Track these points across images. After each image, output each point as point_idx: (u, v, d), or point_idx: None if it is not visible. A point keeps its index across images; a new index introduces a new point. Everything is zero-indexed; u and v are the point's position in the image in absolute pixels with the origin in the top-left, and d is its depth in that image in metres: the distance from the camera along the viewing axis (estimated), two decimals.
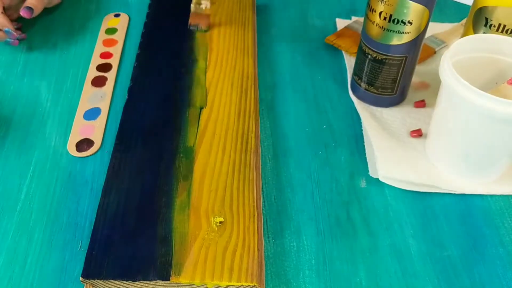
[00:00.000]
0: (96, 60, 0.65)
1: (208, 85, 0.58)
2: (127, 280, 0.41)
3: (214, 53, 0.62)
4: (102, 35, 0.69)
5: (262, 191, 0.51)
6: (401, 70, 0.55)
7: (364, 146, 0.55)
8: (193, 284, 0.41)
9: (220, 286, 0.41)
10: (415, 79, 0.60)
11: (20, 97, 0.60)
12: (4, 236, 0.47)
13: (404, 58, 0.54)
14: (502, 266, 0.46)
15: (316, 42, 0.69)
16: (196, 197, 0.46)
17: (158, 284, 0.41)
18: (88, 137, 0.55)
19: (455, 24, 0.71)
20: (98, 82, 0.62)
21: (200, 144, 0.51)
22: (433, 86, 0.62)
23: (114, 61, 0.65)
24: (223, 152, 0.50)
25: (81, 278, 0.41)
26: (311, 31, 0.71)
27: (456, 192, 0.51)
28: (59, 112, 0.58)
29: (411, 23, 0.52)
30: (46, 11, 0.71)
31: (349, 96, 0.61)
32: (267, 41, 0.69)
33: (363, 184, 0.52)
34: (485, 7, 0.52)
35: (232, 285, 0.41)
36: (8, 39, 0.64)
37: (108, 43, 0.67)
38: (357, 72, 0.59)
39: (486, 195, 0.51)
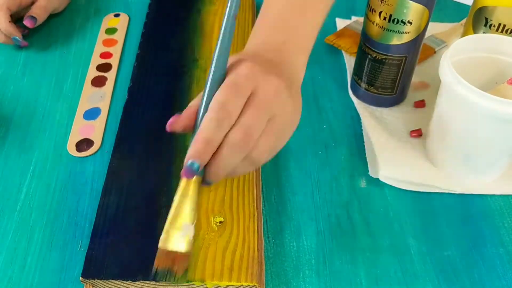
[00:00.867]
0: (96, 60, 0.65)
1: None
2: (127, 280, 0.41)
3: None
4: (102, 35, 0.69)
5: (262, 191, 0.51)
6: (401, 70, 0.55)
7: (364, 146, 0.55)
8: (193, 284, 0.41)
9: (220, 286, 0.41)
10: (415, 79, 0.60)
11: (20, 97, 0.60)
12: (4, 236, 0.47)
13: (404, 58, 0.54)
14: (502, 266, 0.46)
15: (316, 42, 0.69)
16: None
17: (158, 284, 0.41)
18: (88, 137, 0.55)
19: (455, 24, 0.71)
20: (98, 82, 0.62)
21: None
22: (433, 86, 0.62)
23: (114, 61, 0.65)
24: None
25: (81, 278, 0.41)
26: None
27: (456, 192, 0.51)
28: (59, 112, 0.58)
29: (411, 23, 0.52)
30: None
31: (349, 96, 0.61)
32: None
33: (363, 184, 0.52)
34: (485, 7, 0.52)
35: (232, 285, 0.40)
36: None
37: (108, 43, 0.67)
38: (357, 72, 0.59)
39: (486, 195, 0.51)
